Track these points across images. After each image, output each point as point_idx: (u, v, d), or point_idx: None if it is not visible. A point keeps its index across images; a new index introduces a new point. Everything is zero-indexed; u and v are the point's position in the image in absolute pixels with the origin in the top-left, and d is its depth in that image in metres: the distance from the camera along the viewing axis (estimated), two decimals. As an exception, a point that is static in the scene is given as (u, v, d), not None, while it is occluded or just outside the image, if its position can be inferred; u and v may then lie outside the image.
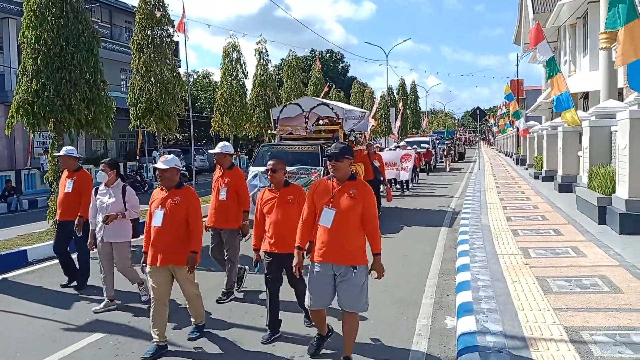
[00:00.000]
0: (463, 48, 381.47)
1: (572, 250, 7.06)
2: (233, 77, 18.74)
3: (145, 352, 4.38)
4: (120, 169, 23.11)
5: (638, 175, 7.81)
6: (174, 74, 13.61)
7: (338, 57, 65.00)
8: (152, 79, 13.04)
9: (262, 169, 8.69)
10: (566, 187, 13.41)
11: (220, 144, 6.02)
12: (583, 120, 11.58)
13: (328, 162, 3.96)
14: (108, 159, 5.89)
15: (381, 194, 12.16)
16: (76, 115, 9.26)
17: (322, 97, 19.57)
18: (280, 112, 12.02)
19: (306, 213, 4.08)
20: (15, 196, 16.34)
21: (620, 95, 13.43)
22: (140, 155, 25.42)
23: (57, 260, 6.78)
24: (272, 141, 13.74)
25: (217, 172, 6.05)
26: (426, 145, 26.20)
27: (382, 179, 12.31)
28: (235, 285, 6.04)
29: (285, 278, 4.74)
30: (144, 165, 24.22)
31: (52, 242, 7.00)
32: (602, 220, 8.69)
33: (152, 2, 13.28)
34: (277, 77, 29.28)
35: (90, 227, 5.85)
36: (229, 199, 5.83)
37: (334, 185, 3.97)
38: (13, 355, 4.54)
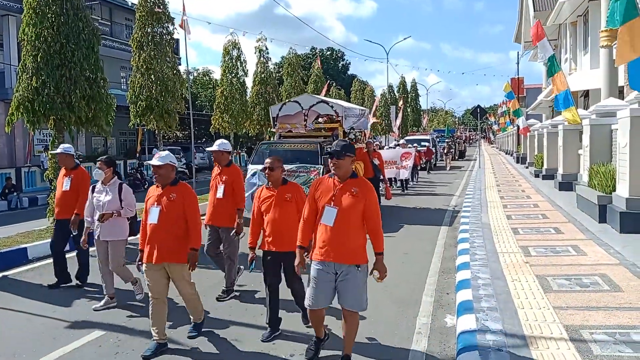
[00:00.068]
0: (463, 45, 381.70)
1: (572, 248, 7.06)
2: (233, 74, 18.72)
3: (146, 349, 4.38)
4: (121, 167, 23.12)
5: (638, 174, 7.80)
6: (174, 72, 13.61)
7: (338, 55, 64.93)
8: (153, 76, 13.04)
9: (261, 167, 8.69)
10: (566, 185, 13.41)
11: (218, 141, 6.00)
12: (583, 118, 11.57)
13: (329, 160, 3.92)
14: (105, 157, 5.89)
15: (380, 192, 12.15)
16: (76, 113, 9.25)
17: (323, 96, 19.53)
18: (280, 109, 12.00)
19: (307, 212, 4.05)
20: (15, 194, 16.33)
21: (621, 94, 13.41)
22: (140, 153, 25.40)
23: (57, 259, 6.76)
24: (273, 139, 13.73)
25: (216, 170, 6.04)
26: (426, 144, 26.15)
27: (381, 177, 12.31)
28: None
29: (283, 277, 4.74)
30: (144, 163, 24.20)
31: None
32: (602, 219, 8.68)
33: (152, 0, 13.26)
34: (277, 74, 29.24)
35: (85, 225, 5.85)
36: (227, 197, 5.80)
37: (336, 183, 3.93)
38: (13, 353, 4.54)
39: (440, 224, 10.43)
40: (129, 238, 5.82)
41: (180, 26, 13.98)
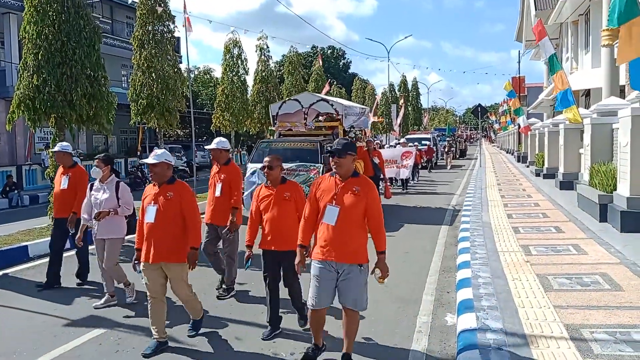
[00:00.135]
0: (464, 44, 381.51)
1: (573, 247, 7.06)
2: (234, 73, 18.71)
3: (146, 348, 4.39)
4: (122, 165, 23.09)
5: (639, 173, 7.80)
6: (175, 70, 13.59)
7: (339, 53, 64.79)
8: (153, 74, 13.02)
9: (261, 165, 8.69)
10: (567, 184, 13.40)
11: (216, 139, 5.99)
12: (584, 117, 11.55)
13: (330, 158, 3.89)
14: (102, 155, 5.88)
15: (380, 191, 12.15)
16: (77, 111, 9.24)
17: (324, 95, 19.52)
18: (280, 108, 11.99)
19: (308, 211, 4.04)
20: (16, 192, 16.35)
21: (622, 93, 13.39)
22: (141, 151, 25.40)
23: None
24: (273, 137, 13.73)
25: (214, 168, 6.03)
26: (427, 142, 26.17)
27: (381, 176, 12.30)
28: (217, 284, 6.01)
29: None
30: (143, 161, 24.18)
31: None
32: (603, 218, 8.68)
33: (153, -2, 13.24)
34: (278, 73, 29.22)
35: (82, 223, 5.84)
36: (225, 195, 5.79)
37: (337, 182, 3.90)
38: (14, 350, 4.54)
39: (440, 223, 10.43)
40: (127, 237, 5.82)
41: (186, 24, 13.96)
